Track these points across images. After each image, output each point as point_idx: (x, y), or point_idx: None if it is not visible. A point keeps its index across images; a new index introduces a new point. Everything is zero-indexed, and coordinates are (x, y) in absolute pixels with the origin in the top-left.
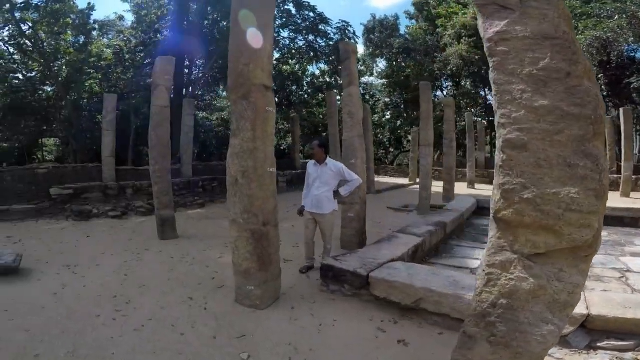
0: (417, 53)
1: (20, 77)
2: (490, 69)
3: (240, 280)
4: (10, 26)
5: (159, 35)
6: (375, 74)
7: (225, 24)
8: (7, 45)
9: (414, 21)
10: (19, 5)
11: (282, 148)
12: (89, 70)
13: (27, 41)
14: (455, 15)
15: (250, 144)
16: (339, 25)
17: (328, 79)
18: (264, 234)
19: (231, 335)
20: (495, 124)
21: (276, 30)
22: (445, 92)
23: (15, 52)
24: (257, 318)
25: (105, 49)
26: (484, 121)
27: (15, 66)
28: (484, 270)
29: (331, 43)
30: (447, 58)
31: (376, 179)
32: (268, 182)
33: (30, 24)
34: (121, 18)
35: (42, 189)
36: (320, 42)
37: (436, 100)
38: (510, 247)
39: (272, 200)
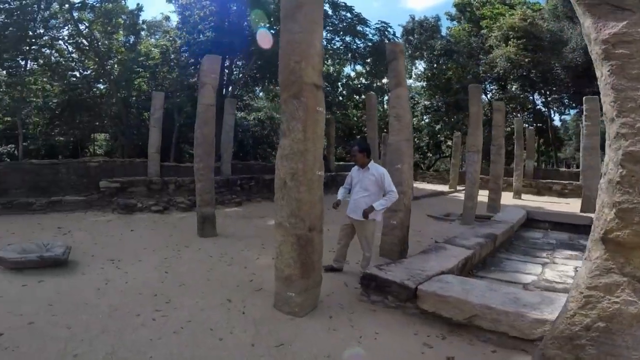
0: (459, 55)
1: (77, 75)
2: (606, 73)
3: (281, 286)
4: (70, 25)
5: (201, 36)
6: (414, 76)
7: (263, 24)
8: (66, 44)
9: (455, 22)
10: (76, 5)
11: None
12: (138, 69)
13: (83, 40)
14: (502, 17)
15: (301, 146)
16: (377, 26)
17: (364, 81)
18: (310, 240)
19: (269, 343)
20: (611, 134)
21: None
22: (489, 96)
23: (74, 50)
24: (296, 326)
25: (152, 49)
26: (530, 127)
27: (73, 64)
28: (581, 293)
29: (369, 44)
30: (493, 60)
31: (414, 185)
32: (316, 185)
33: (87, 24)
34: (167, 18)
35: (92, 182)
36: (359, 43)
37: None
38: (619, 269)
39: (319, 205)
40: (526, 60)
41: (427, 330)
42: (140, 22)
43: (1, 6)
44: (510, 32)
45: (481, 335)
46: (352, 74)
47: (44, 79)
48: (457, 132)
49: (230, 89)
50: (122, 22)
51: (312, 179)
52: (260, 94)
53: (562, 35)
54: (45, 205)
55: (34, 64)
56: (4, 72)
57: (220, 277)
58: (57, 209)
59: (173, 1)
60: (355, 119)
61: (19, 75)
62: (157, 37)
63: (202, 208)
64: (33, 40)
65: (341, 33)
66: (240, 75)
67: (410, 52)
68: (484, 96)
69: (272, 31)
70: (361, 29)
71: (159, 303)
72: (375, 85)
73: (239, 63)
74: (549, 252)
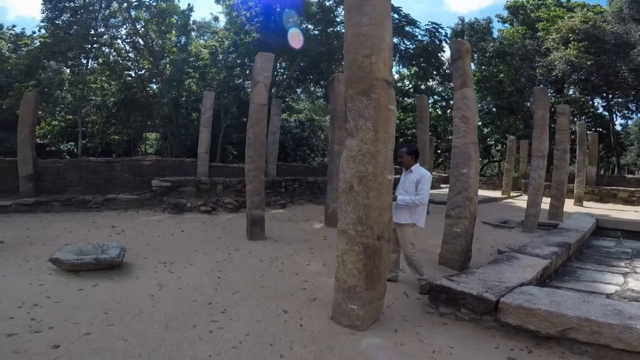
0: (513, 57)
1: (132, 74)
2: None
3: (341, 298)
4: (127, 24)
5: (247, 37)
6: None
7: (306, 26)
8: (124, 43)
9: (507, 25)
10: (134, 3)
11: None
12: (188, 70)
13: (139, 39)
14: (560, 19)
15: (371, 147)
16: (427, 27)
17: (408, 83)
18: (377, 249)
19: None
20: None
21: None
22: None
23: (130, 50)
24: (358, 341)
25: (202, 49)
26: (592, 132)
27: (129, 64)
28: None
29: (418, 46)
30: (551, 63)
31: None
32: (386, 190)
33: (143, 23)
34: (216, 19)
35: (144, 180)
36: (407, 44)
37: (532, 107)
38: None
39: (388, 212)
40: (588, 63)
41: (510, 344)
42: (191, 22)
43: (67, 4)
44: (570, 35)
45: (575, 347)
46: (396, 76)
47: (103, 78)
48: (511, 136)
49: (273, 90)
50: (175, 21)
51: (382, 183)
52: (302, 95)
53: (628, 38)
54: (100, 203)
55: (94, 63)
56: (68, 70)
57: (273, 284)
58: (111, 207)
59: (221, 2)
60: (397, 121)
61: (81, 74)
62: (206, 38)
63: (252, 210)
64: (94, 38)
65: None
66: (285, 76)
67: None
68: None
69: (316, 31)
70: (410, 30)
71: (214, 313)
72: (421, 87)
73: (283, 64)
74: (626, 261)
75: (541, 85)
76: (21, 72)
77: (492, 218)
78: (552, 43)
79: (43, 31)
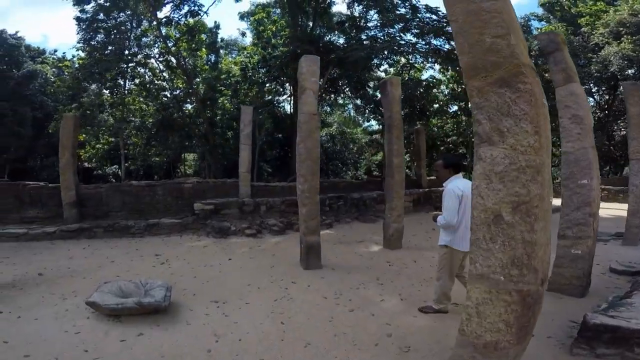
0: None
1: (168, 95)
2: None
3: (469, 355)
4: (159, 43)
5: (275, 51)
6: None
7: (335, 34)
8: (157, 62)
9: (543, 23)
10: (163, 20)
11: None
12: (220, 88)
13: (172, 58)
14: (604, 13)
15: (534, 157)
16: None
17: (445, 88)
18: (539, 297)
19: None
20: None
21: (394, 33)
22: (597, 97)
23: (164, 69)
24: None
25: (232, 66)
26: None
27: (164, 84)
28: None
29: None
30: (605, 58)
31: None
32: (549, 217)
33: (174, 41)
34: (243, 34)
35: (186, 203)
36: (447, 46)
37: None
38: None
39: (549, 246)
40: None
41: None
42: (219, 40)
43: (101, 25)
44: (621, 29)
45: None
46: (437, 75)
47: (141, 99)
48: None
49: None
50: (204, 39)
51: (547, 209)
52: (327, 108)
53: None
54: (143, 229)
55: (131, 84)
56: (107, 91)
57: (349, 330)
58: (154, 232)
59: (245, 19)
60: (435, 129)
61: (119, 96)
62: (234, 55)
63: (307, 236)
64: (129, 57)
65: (430, 34)
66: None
67: None
68: (590, 98)
69: (340, 39)
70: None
71: None
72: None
73: None
74: None
75: (590, 83)
76: (67, 97)
77: None
78: (600, 38)
79: (80, 52)
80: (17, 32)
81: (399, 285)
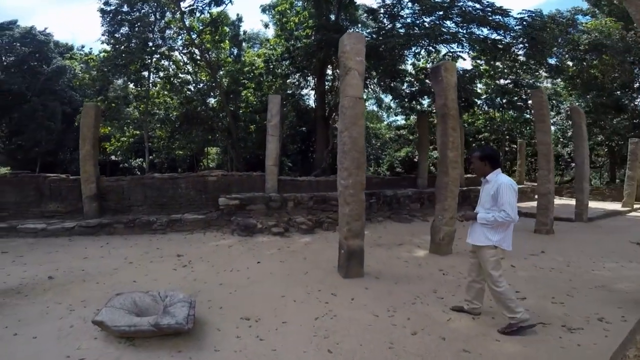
0: (612, 50)
1: (192, 88)
2: None
3: None
4: (182, 34)
5: (298, 42)
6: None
7: (358, 30)
8: (181, 54)
9: (588, 17)
10: (185, 9)
11: (415, 160)
12: (244, 81)
13: (196, 50)
14: None
15: None
16: (522, 16)
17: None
18: None
19: None
20: None
21: (433, 21)
22: None
23: (188, 62)
24: None
25: (256, 58)
26: None
27: (188, 77)
28: None
29: (514, 36)
30: None
31: (563, 202)
32: None
33: (197, 32)
34: (266, 26)
35: (210, 198)
36: (499, 35)
37: None
38: None
39: None
40: None
41: None
42: (242, 32)
43: (125, 17)
44: None
45: None
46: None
47: (165, 92)
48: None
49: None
50: (227, 31)
51: None
52: None
53: None
54: (165, 225)
55: (155, 77)
56: (132, 85)
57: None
58: (176, 229)
59: (267, 12)
60: (466, 125)
61: (144, 89)
62: (256, 48)
63: (349, 240)
64: (153, 49)
65: (473, 23)
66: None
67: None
68: None
69: (364, 31)
70: (499, 20)
71: None
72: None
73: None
74: None
75: None
76: (94, 91)
77: (633, 236)
78: None
79: (105, 45)
80: (46, 29)
81: (463, 299)
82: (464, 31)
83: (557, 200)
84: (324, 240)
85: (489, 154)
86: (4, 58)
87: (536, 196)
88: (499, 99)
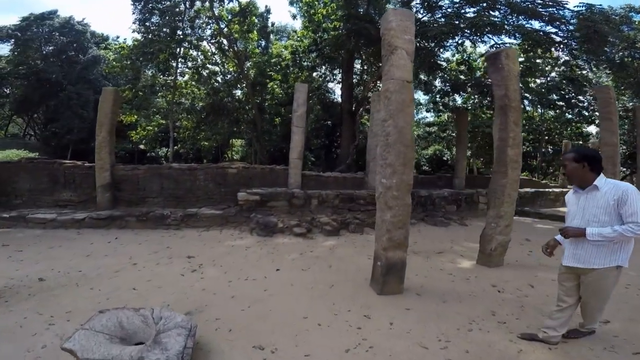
0: None
1: (219, 80)
2: None
3: None
4: (212, 24)
5: (326, 35)
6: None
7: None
8: (209, 44)
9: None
10: None
11: (444, 158)
12: (270, 73)
13: (224, 40)
14: None
15: None
16: (579, 9)
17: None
18: None
19: None
20: None
21: (477, 12)
22: None
23: (216, 52)
24: None
25: (283, 50)
26: None
27: (216, 69)
28: None
29: (571, 30)
30: None
31: None
32: None
33: (226, 22)
34: (294, 17)
35: (229, 191)
36: (557, 28)
37: None
38: None
39: None
40: None
41: None
42: (270, 24)
43: (156, 5)
44: None
45: None
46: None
47: (193, 83)
48: None
49: (359, 89)
50: (256, 21)
51: None
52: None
53: None
54: (179, 220)
55: (184, 67)
56: (160, 74)
57: None
58: (191, 224)
59: (294, 4)
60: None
61: (172, 78)
62: (283, 41)
63: (388, 252)
64: (182, 37)
65: (521, 15)
66: (374, 71)
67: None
68: None
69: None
70: (553, 12)
71: None
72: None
73: (371, 60)
74: None
75: None
76: (125, 80)
77: None
78: None
79: (136, 34)
80: (84, 19)
81: (531, 324)
82: (511, 24)
83: None
84: (350, 244)
85: (589, 155)
86: (43, 47)
87: None
88: (553, 94)
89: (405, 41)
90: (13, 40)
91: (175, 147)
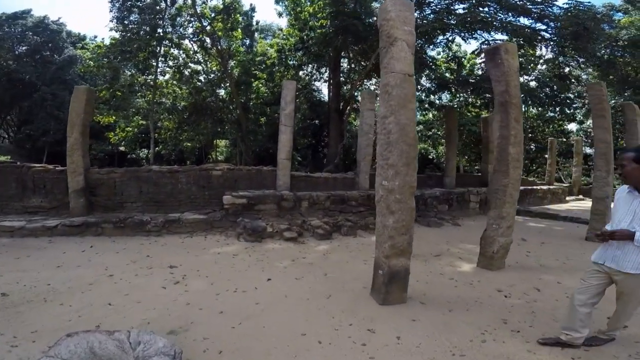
0: None
1: (202, 79)
2: None
3: None
4: (194, 22)
5: (312, 33)
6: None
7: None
8: (191, 42)
9: (620, 14)
10: None
11: (430, 157)
12: (255, 72)
13: (207, 38)
14: None
15: None
16: (567, 5)
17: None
18: None
19: None
20: None
21: (466, 8)
22: None
23: (198, 50)
24: None
25: (268, 48)
26: None
27: (199, 68)
28: None
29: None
30: None
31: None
32: None
33: (209, 20)
34: (280, 14)
35: (214, 194)
36: (541, 25)
37: None
38: None
39: None
40: None
41: None
42: (254, 23)
43: (135, 3)
44: None
45: None
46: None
47: (174, 82)
48: None
49: (346, 88)
50: (240, 19)
51: None
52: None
53: None
54: (160, 225)
55: (165, 66)
56: (139, 74)
57: None
58: (173, 230)
59: (280, 2)
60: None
61: (152, 77)
62: (268, 40)
63: (391, 259)
64: (161, 34)
65: (510, 12)
66: (361, 70)
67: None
68: None
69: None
70: (543, 9)
71: None
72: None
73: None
74: None
75: None
76: (104, 80)
77: None
78: None
79: (114, 33)
80: (59, 19)
81: (546, 332)
82: (502, 19)
83: (588, 203)
84: (344, 248)
85: None
86: (16, 47)
87: (586, 199)
88: (547, 90)
89: (405, 32)
90: None
91: (157, 149)
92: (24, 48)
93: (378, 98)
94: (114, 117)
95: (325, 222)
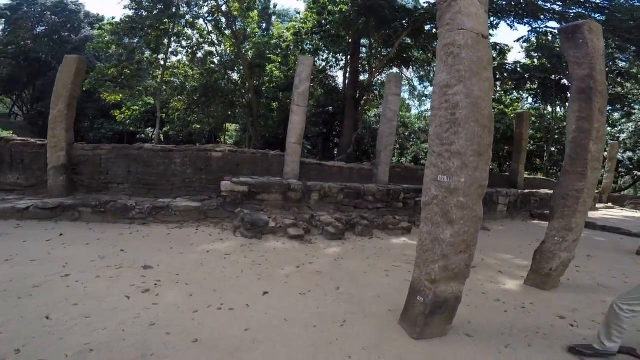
0: None
1: (215, 61)
2: None
3: None
4: (209, 0)
5: (330, 17)
6: None
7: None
8: (206, 22)
9: None
10: None
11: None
12: (270, 55)
13: (222, 18)
14: None
15: None
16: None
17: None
18: None
19: None
20: None
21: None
22: None
23: (212, 30)
24: None
25: (284, 31)
26: None
27: (212, 49)
28: None
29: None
30: None
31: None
32: None
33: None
34: None
35: (212, 179)
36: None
37: None
38: None
39: None
40: None
41: None
42: (272, 5)
43: None
44: None
45: None
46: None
47: (186, 63)
48: None
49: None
50: (256, 1)
51: None
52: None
53: None
54: (146, 213)
55: (178, 46)
56: (149, 53)
57: None
58: (160, 219)
59: None
60: (508, 120)
61: (163, 57)
62: (286, 24)
63: (439, 285)
64: (174, 12)
65: (522, 14)
66: (383, 57)
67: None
68: None
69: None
70: (545, 6)
71: None
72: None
73: (380, 45)
74: None
75: None
76: (118, 60)
77: None
78: None
79: (127, 11)
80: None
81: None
82: (555, 7)
83: (620, 212)
84: (359, 252)
85: None
86: (34, 27)
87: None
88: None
89: None
90: (3, 20)
91: (165, 129)
92: (42, 28)
93: (435, 64)
94: (120, 95)
95: (337, 218)
